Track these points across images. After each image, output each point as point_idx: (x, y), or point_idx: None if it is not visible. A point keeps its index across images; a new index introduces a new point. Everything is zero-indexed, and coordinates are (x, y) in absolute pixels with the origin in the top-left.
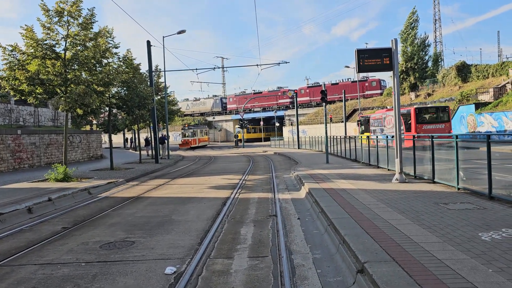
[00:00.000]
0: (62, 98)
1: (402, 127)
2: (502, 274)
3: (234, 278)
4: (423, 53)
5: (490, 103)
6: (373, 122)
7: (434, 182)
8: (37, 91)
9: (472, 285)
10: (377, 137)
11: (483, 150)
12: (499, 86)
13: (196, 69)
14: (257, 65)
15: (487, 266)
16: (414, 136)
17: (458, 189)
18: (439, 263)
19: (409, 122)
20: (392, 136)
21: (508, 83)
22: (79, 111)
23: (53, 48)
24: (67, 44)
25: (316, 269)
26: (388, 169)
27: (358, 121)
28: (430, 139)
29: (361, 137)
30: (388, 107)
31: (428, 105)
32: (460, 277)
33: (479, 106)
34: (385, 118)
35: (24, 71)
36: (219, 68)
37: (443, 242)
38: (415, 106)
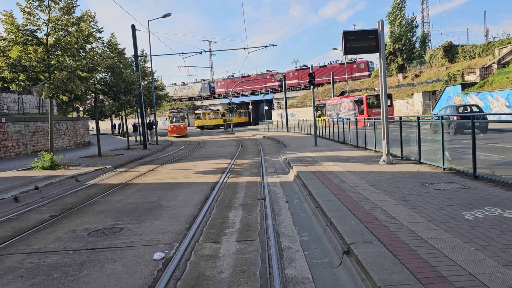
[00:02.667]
0: (46, 85)
1: (356, 111)
2: (484, 251)
3: (223, 262)
4: (411, 34)
5: (476, 83)
6: (329, 107)
7: (421, 163)
8: (20, 78)
9: (454, 263)
10: (349, 119)
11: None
12: (485, 66)
13: (183, 53)
14: (244, 48)
15: (469, 244)
16: (364, 118)
17: (444, 169)
18: (423, 243)
19: (362, 107)
20: (348, 119)
21: (494, 63)
22: (64, 98)
23: (35, 33)
24: (48, 29)
25: (303, 251)
26: (376, 151)
27: (315, 106)
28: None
29: (319, 120)
30: (377, 88)
31: (375, 93)
32: (443, 256)
33: (466, 86)
34: (341, 104)
35: (5, 57)
36: (206, 52)
37: (427, 222)
38: (366, 94)
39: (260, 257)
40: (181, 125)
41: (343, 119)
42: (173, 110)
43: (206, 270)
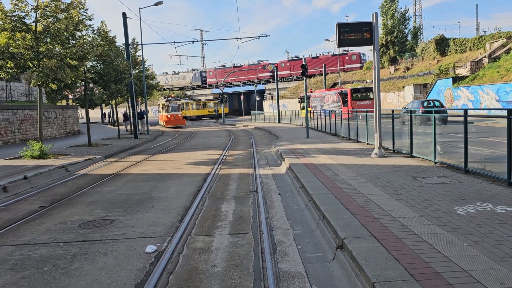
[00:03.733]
0: (35, 73)
1: (341, 103)
2: (476, 247)
3: (215, 255)
4: (403, 26)
5: (467, 77)
6: (314, 99)
7: (412, 157)
8: (8, 65)
9: (447, 259)
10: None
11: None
12: (476, 60)
13: (175, 42)
14: (237, 38)
15: (462, 240)
16: (348, 111)
17: (435, 163)
18: (416, 238)
19: (346, 99)
20: (331, 111)
21: (485, 57)
22: (53, 86)
23: (23, 20)
24: (37, 16)
25: (296, 245)
26: (368, 143)
27: (299, 98)
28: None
29: (302, 111)
30: (368, 80)
31: (360, 87)
32: (436, 251)
33: (457, 80)
34: (325, 96)
35: None
36: (198, 41)
37: (420, 216)
38: (350, 87)
39: (253, 251)
40: (179, 115)
41: (329, 111)
42: (170, 98)
43: (199, 264)
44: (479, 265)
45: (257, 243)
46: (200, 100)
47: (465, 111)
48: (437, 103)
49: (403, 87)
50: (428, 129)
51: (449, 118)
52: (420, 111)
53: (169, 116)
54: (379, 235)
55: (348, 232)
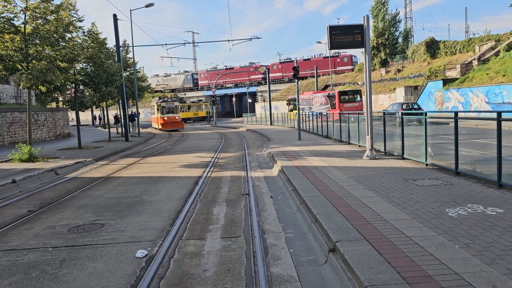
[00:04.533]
0: (24, 75)
1: (329, 106)
2: (468, 250)
3: (207, 259)
4: (394, 29)
5: (457, 79)
6: (302, 102)
7: (404, 159)
8: None
9: (439, 262)
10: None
11: (450, 126)
12: (466, 62)
13: (166, 44)
14: (228, 40)
15: (453, 242)
16: (339, 113)
17: (427, 165)
18: (408, 241)
19: (334, 102)
20: (320, 113)
21: (474, 59)
22: (42, 88)
23: (11, 21)
24: (26, 18)
25: (288, 249)
26: (359, 146)
27: (287, 100)
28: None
29: (290, 114)
30: (360, 82)
31: (347, 89)
32: (428, 254)
33: (447, 82)
34: (313, 98)
35: None
36: (189, 43)
37: (412, 219)
38: (338, 90)
39: (245, 255)
40: (177, 117)
41: (318, 113)
42: (165, 99)
43: (190, 268)
44: (471, 268)
45: (249, 246)
46: (192, 102)
47: (456, 113)
48: (415, 106)
49: (394, 89)
50: (419, 130)
51: (440, 120)
52: (400, 113)
53: (165, 118)
54: (371, 238)
55: (340, 235)
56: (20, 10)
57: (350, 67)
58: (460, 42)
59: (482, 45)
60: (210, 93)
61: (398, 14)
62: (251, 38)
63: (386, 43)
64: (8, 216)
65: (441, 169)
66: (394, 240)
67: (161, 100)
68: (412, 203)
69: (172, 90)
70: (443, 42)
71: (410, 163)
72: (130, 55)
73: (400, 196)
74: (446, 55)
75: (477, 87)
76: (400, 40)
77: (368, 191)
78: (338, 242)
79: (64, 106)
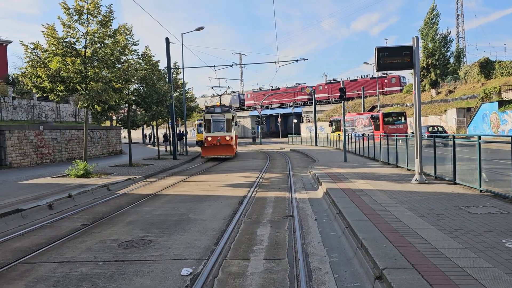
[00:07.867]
0: (82, 95)
1: (372, 127)
2: None
3: (250, 281)
4: (445, 49)
5: None
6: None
7: (455, 184)
8: (58, 88)
9: None
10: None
11: (507, 149)
12: None
13: (214, 66)
14: (275, 62)
15: (511, 276)
16: (380, 135)
17: (481, 191)
18: (460, 271)
19: (378, 123)
20: (363, 134)
21: None
22: (98, 108)
23: (73, 45)
24: (86, 42)
25: (333, 274)
26: (408, 169)
27: (330, 121)
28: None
29: (333, 135)
30: (408, 104)
31: (391, 111)
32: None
33: (503, 104)
34: (356, 120)
35: (45, 68)
36: (237, 65)
37: (464, 248)
38: (382, 111)
39: (288, 278)
40: (227, 138)
41: (359, 135)
42: (211, 108)
43: None
44: None
45: (292, 269)
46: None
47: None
48: (440, 129)
49: (445, 110)
50: (473, 154)
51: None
52: (426, 135)
53: (209, 138)
54: (420, 266)
55: (387, 262)
56: (81, 35)
57: (398, 88)
58: None
59: None
60: (256, 113)
61: (450, 34)
62: (297, 60)
63: (437, 63)
64: (64, 229)
65: (497, 196)
66: (445, 270)
67: (206, 112)
68: (464, 232)
69: None
70: (499, 62)
71: (462, 189)
72: (180, 76)
73: (451, 223)
74: (502, 75)
75: None
76: (451, 60)
77: (417, 217)
78: (385, 270)
79: (117, 124)
